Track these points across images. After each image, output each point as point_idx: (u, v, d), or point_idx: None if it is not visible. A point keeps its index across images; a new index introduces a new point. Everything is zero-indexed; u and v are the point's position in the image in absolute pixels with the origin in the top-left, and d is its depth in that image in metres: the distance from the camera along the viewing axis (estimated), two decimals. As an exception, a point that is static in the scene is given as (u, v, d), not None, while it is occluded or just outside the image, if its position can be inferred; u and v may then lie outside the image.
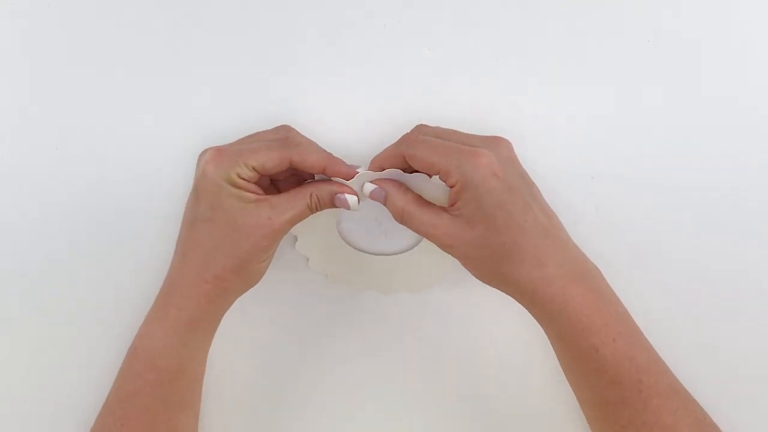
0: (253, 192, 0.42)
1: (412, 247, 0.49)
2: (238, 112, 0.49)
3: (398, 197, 0.43)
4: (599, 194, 0.49)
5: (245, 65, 0.49)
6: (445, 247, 0.42)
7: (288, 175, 0.46)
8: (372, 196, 0.44)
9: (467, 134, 0.44)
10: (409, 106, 0.48)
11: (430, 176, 0.44)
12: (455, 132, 0.44)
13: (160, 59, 0.49)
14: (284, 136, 0.44)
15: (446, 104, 0.48)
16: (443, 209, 0.42)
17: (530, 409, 0.50)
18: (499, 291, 0.42)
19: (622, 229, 0.49)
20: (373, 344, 0.51)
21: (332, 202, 0.44)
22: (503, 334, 0.50)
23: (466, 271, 0.43)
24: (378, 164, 0.44)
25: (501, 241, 0.40)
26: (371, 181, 0.44)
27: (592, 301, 0.40)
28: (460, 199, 0.40)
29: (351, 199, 0.44)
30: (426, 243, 0.49)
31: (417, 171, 0.43)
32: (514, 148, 0.44)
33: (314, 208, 0.43)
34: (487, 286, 0.42)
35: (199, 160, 0.44)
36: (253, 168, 0.42)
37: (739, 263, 0.49)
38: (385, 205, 0.44)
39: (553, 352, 0.43)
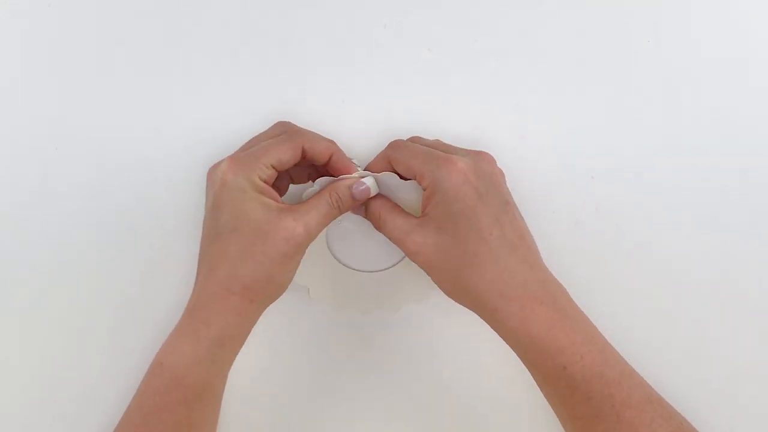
0: (274, 199, 0.42)
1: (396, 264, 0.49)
2: (237, 112, 0.49)
3: (375, 203, 0.44)
4: (599, 194, 0.49)
5: (245, 66, 0.49)
6: (412, 254, 0.42)
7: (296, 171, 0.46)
8: (357, 196, 0.45)
9: (455, 147, 0.45)
10: (409, 106, 0.48)
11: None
12: (445, 144, 0.45)
13: (161, 59, 0.49)
14: (286, 129, 0.45)
15: (446, 104, 0.48)
16: (415, 217, 0.43)
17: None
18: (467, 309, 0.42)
19: (622, 229, 0.49)
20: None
21: (352, 197, 0.43)
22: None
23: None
24: (369, 169, 0.45)
25: (463, 250, 0.40)
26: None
27: (556, 320, 0.40)
28: (431, 202, 0.41)
29: (369, 181, 0.44)
30: (406, 261, 0.49)
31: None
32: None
33: (336, 205, 0.43)
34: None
35: (211, 173, 0.43)
36: (272, 166, 0.42)
37: (739, 263, 0.49)
38: (365, 217, 0.45)
39: None
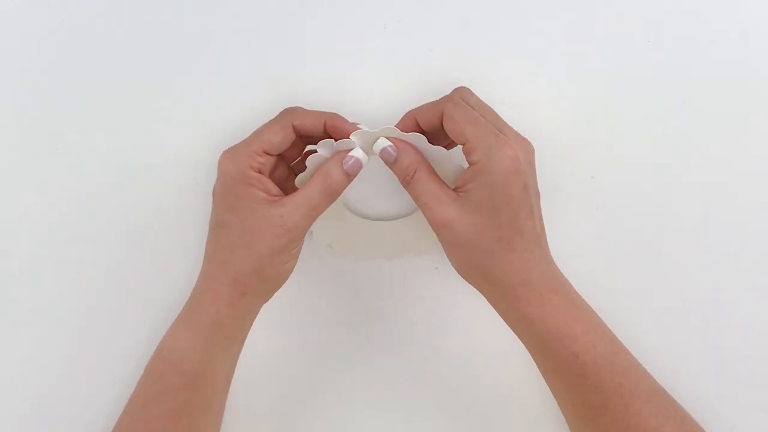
0: (264, 191, 0.41)
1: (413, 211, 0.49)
2: (238, 113, 0.48)
3: (411, 157, 0.42)
4: (599, 194, 0.49)
5: (245, 66, 0.49)
6: (439, 225, 0.41)
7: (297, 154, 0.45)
8: (382, 154, 0.42)
9: (503, 121, 0.43)
10: (409, 107, 0.48)
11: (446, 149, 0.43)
12: (493, 113, 0.43)
13: (161, 58, 0.49)
14: (281, 112, 0.44)
15: (446, 104, 0.48)
16: (450, 188, 0.41)
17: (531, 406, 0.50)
18: (476, 290, 0.42)
19: (622, 229, 0.49)
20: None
21: (344, 174, 0.42)
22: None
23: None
24: (412, 117, 0.43)
25: (498, 236, 0.40)
26: (388, 138, 0.42)
27: (569, 309, 0.41)
28: (476, 180, 0.40)
29: (357, 152, 0.42)
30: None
31: (439, 134, 0.43)
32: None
33: (328, 190, 0.41)
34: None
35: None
36: (264, 152, 0.41)
37: (739, 262, 0.49)
38: (392, 166, 0.42)
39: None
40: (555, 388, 0.42)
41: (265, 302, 0.44)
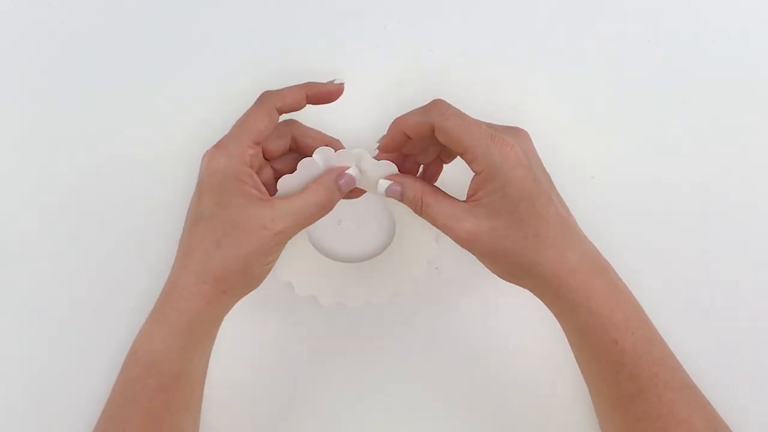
0: (256, 188, 0.41)
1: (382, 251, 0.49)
2: (238, 113, 0.48)
3: (414, 188, 0.42)
4: (599, 194, 0.49)
5: (244, 66, 0.49)
6: (464, 240, 0.41)
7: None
8: (388, 194, 0.43)
9: (488, 122, 0.43)
10: (408, 107, 0.48)
11: (444, 161, 0.44)
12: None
13: (161, 58, 0.49)
14: (260, 97, 0.43)
15: (446, 104, 0.48)
16: (461, 201, 0.41)
17: (542, 407, 0.50)
18: (519, 287, 0.42)
19: (622, 229, 0.49)
20: (373, 342, 0.51)
21: (339, 190, 0.42)
22: (513, 328, 0.49)
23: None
24: (400, 129, 0.42)
25: (524, 232, 0.39)
26: (386, 178, 0.43)
27: (612, 294, 0.40)
28: (484, 188, 0.40)
29: (353, 170, 0.43)
30: (394, 247, 0.49)
31: (425, 142, 0.43)
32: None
33: (322, 203, 0.42)
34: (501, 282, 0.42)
35: (201, 161, 0.43)
36: (254, 142, 0.41)
37: (740, 262, 0.49)
38: (401, 200, 0.43)
39: (568, 346, 0.43)
40: (590, 375, 0.42)
41: (238, 302, 0.43)
